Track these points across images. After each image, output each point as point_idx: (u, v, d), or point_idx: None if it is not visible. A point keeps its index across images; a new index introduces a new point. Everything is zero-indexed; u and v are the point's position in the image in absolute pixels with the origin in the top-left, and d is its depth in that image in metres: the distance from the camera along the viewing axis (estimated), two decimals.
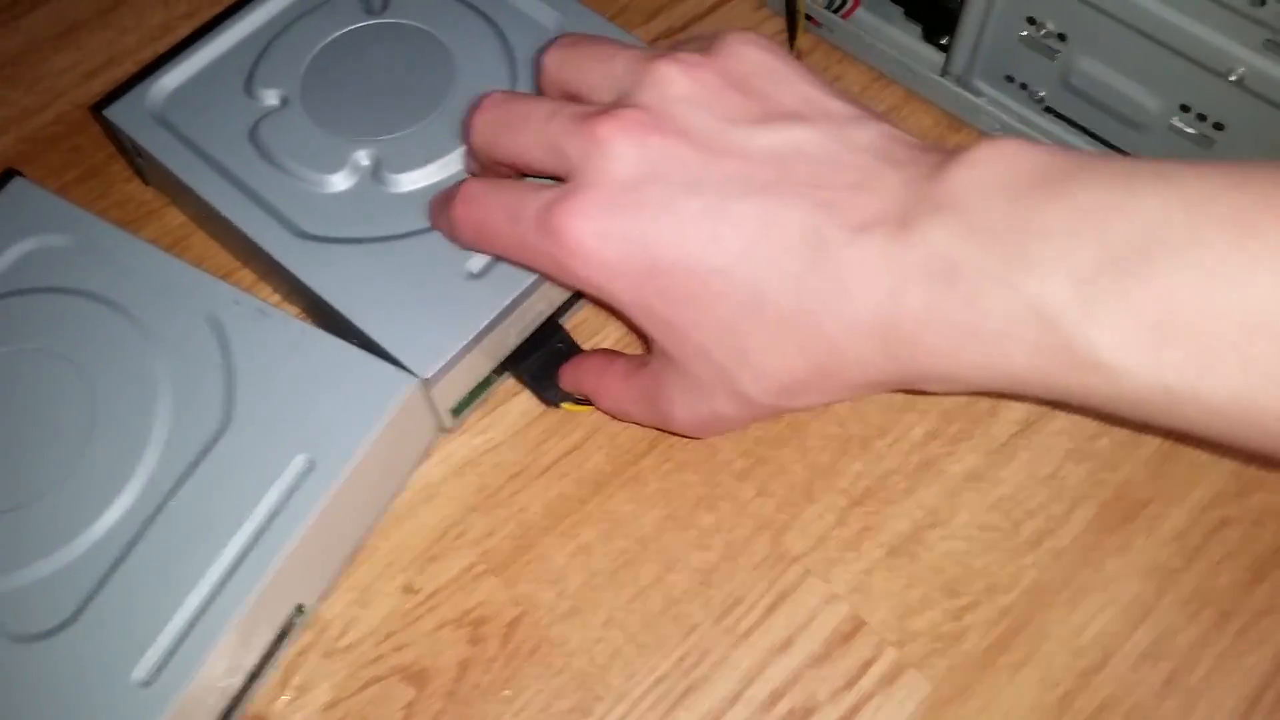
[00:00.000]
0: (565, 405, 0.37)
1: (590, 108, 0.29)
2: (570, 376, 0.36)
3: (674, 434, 0.35)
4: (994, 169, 0.25)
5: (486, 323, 0.34)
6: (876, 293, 0.25)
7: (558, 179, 0.29)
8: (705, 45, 0.29)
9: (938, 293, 0.24)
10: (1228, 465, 0.35)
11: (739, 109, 0.28)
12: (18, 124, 0.46)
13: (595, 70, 0.30)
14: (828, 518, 0.35)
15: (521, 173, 0.32)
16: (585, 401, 0.36)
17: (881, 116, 0.28)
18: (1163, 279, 0.22)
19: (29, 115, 0.46)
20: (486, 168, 0.33)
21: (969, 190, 0.24)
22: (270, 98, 0.40)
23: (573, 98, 0.31)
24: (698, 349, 0.28)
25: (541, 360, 0.37)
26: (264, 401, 0.33)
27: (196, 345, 0.34)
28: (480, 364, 0.35)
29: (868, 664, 0.32)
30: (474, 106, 0.32)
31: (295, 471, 0.31)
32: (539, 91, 0.33)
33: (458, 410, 0.36)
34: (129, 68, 0.46)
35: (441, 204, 0.34)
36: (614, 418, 0.36)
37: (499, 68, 0.39)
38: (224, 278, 0.40)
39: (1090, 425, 0.36)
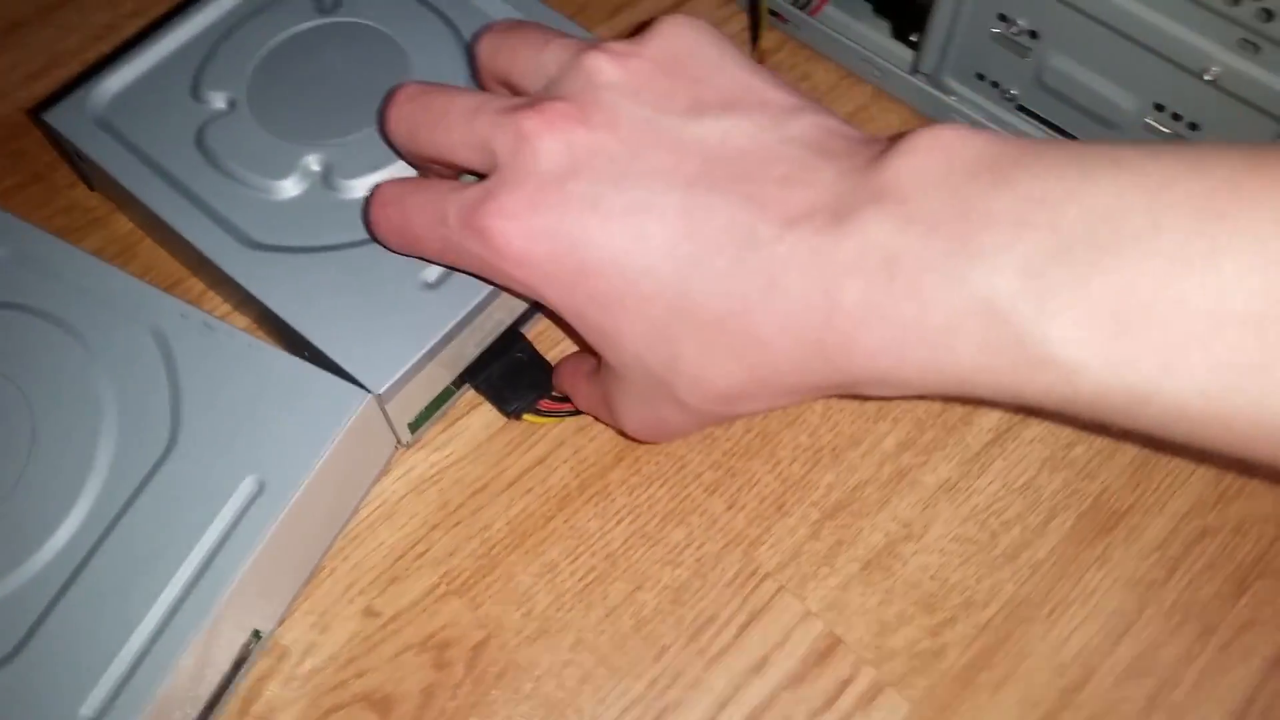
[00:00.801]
0: (526, 416, 0.35)
1: (516, 100, 0.27)
2: (555, 377, 0.35)
3: (635, 441, 0.34)
4: (934, 156, 0.23)
5: (441, 335, 0.33)
6: (809, 290, 0.23)
7: (484, 175, 0.28)
8: (643, 34, 0.28)
9: (875, 287, 0.22)
10: (1207, 473, 0.34)
11: (669, 98, 0.26)
12: None
13: (527, 58, 0.29)
14: (800, 531, 0.34)
15: (450, 169, 0.31)
16: (546, 413, 0.35)
17: (821, 108, 0.27)
18: (1121, 268, 0.20)
19: None
20: (415, 166, 0.31)
21: (908, 179, 0.23)
22: (218, 101, 0.38)
23: (509, 87, 0.30)
24: (633, 358, 0.27)
25: (501, 371, 0.36)
26: (212, 420, 0.31)
27: (141, 361, 0.33)
28: (437, 377, 0.34)
29: (845, 683, 0.31)
30: (388, 99, 0.30)
31: (245, 493, 0.30)
32: (476, 81, 0.31)
33: (416, 425, 0.35)
34: (73, 68, 0.45)
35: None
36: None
37: (456, 68, 0.38)
38: (171, 288, 0.39)
39: (1066, 433, 0.35)
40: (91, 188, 0.41)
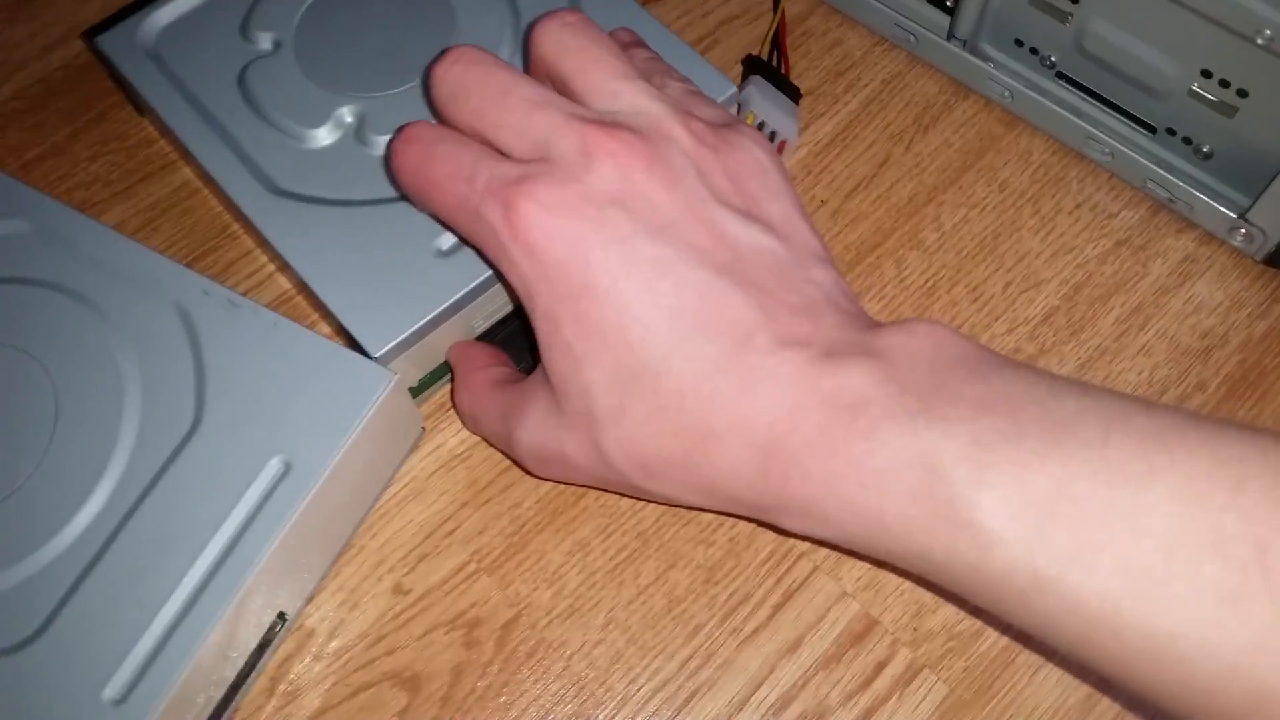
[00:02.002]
0: None
1: (586, 112, 0.27)
2: (454, 353, 0.34)
3: (509, 458, 0.34)
4: (926, 342, 0.25)
5: (446, 305, 0.32)
6: (778, 406, 0.25)
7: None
8: (720, 120, 0.29)
9: (836, 423, 0.24)
10: None
11: (725, 192, 0.27)
12: None
13: (600, 80, 0.28)
14: None
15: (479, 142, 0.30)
16: None
17: (841, 275, 0.28)
18: (1064, 464, 0.22)
19: None
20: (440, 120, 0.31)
21: (898, 351, 0.25)
22: (264, 42, 0.38)
23: (567, 92, 0.29)
24: (582, 385, 0.27)
25: (503, 335, 0.35)
26: (237, 399, 0.31)
27: (165, 339, 0.32)
28: (442, 344, 0.34)
29: (881, 665, 0.31)
30: (443, 56, 0.29)
31: (271, 474, 0.30)
32: (525, 61, 0.30)
33: (417, 391, 0.35)
34: None
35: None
36: (459, 417, 0.34)
37: (502, 33, 0.37)
38: (194, 263, 0.38)
39: None
40: (140, 113, 0.41)
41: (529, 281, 0.27)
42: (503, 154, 0.28)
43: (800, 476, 0.24)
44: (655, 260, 0.26)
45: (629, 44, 0.34)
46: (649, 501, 0.33)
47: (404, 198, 0.33)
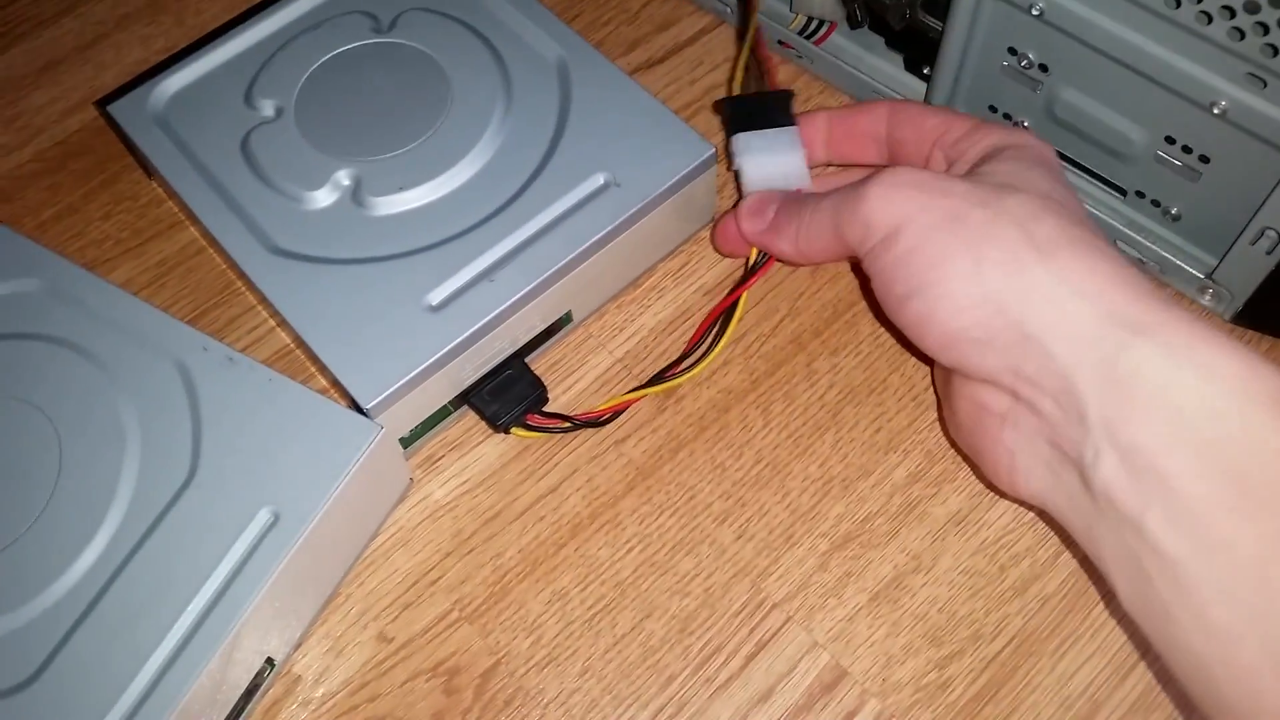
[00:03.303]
0: (515, 430, 0.36)
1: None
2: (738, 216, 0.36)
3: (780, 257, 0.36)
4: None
5: (435, 358, 0.34)
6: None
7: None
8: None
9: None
10: None
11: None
12: None
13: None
14: (809, 563, 0.34)
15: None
16: (534, 428, 0.36)
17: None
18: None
19: (8, 153, 0.46)
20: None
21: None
22: (267, 108, 0.40)
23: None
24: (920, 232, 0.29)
25: (492, 386, 0.36)
26: (230, 452, 0.32)
27: (164, 393, 0.34)
28: (432, 396, 0.35)
29: (850, 715, 0.32)
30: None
31: (260, 525, 0.31)
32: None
33: (408, 441, 0.36)
34: None
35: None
36: (747, 235, 0.36)
37: (493, 100, 0.39)
38: (198, 319, 0.40)
39: None
40: (149, 176, 0.43)
41: (900, 216, 0.30)
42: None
43: (1025, 334, 0.27)
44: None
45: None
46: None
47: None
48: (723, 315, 0.37)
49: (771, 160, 0.37)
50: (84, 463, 0.33)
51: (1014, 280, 0.27)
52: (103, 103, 0.41)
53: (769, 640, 0.33)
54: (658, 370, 0.37)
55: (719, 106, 0.41)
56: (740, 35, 0.42)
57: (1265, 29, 0.29)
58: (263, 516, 0.31)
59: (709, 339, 0.37)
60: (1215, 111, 0.32)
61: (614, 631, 0.33)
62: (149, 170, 0.42)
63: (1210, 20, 0.30)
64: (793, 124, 0.37)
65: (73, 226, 0.43)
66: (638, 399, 0.37)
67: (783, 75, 0.44)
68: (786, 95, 0.38)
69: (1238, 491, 0.24)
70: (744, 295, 0.36)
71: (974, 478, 0.35)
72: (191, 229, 0.42)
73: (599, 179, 0.37)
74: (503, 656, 0.33)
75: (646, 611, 0.33)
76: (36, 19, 0.49)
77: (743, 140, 0.37)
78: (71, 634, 0.30)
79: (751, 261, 0.36)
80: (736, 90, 0.39)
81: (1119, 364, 0.26)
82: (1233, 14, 0.30)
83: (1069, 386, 0.26)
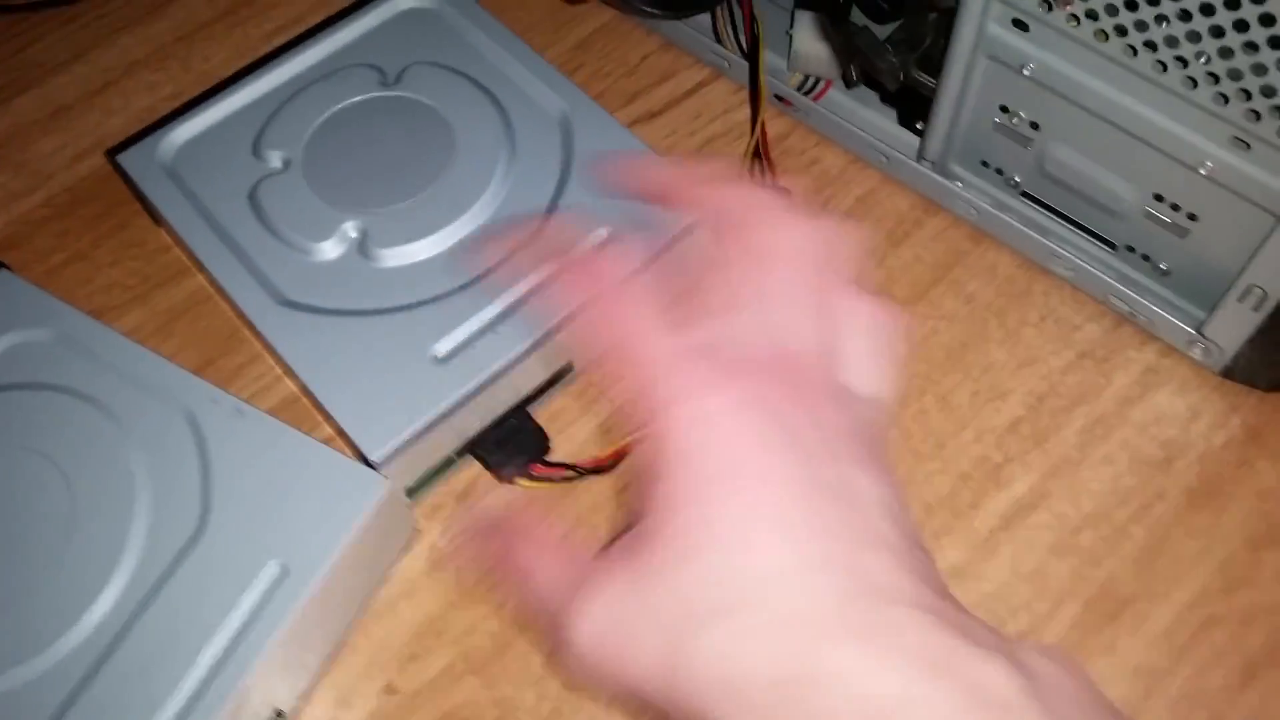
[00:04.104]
0: (520, 482, 0.37)
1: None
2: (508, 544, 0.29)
3: (555, 638, 0.25)
4: (1068, 675, 0.22)
5: (442, 410, 0.34)
6: (905, 670, 0.21)
7: None
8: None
9: (971, 715, 0.21)
10: (1213, 560, 0.35)
11: (852, 440, 0.25)
12: (5, 207, 0.46)
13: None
14: None
15: None
16: (539, 478, 0.36)
17: None
18: None
19: (17, 198, 0.46)
20: None
21: (1043, 671, 0.22)
22: (274, 160, 0.41)
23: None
24: (682, 579, 0.23)
25: (496, 436, 0.37)
26: (239, 504, 0.33)
27: (174, 445, 0.34)
28: (437, 447, 0.36)
29: None
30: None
31: (269, 578, 0.31)
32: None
33: (414, 491, 0.36)
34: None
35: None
36: (502, 566, 0.28)
37: (496, 155, 0.40)
38: (205, 367, 0.40)
39: (1074, 519, 0.36)
40: (157, 224, 0.44)
41: (667, 461, 0.24)
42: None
43: None
44: (794, 480, 0.23)
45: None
46: None
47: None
48: None
49: None
50: (95, 514, 0.33)
51: None
52: (112, 152, 0.42)
53: None
54: None
55: None
56: (753, 106, 0.44)
57: (1248, 95, 0.30)
58: (271, 569, 0.31)
59: None
60: (1202, 172, 0.33)
61: None
62: (156, 218, 0.43)
63: (1196, 85, 0.31)
64: None
65: (81, 273, 0.44)
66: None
67: (780, 128, 0.45)
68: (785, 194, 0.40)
69: None
70: None
71: (972, 531, 0.36)
72: (199, 276, 0.43)
73: (602, 232, 0.38)
74: (507, 709, 0.33)
75: None
76: (47, 65, 0.50)
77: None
78: (83, 686, 0.30)
79: None
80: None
81: None
82: (1218, 80, 0.31)
83: None
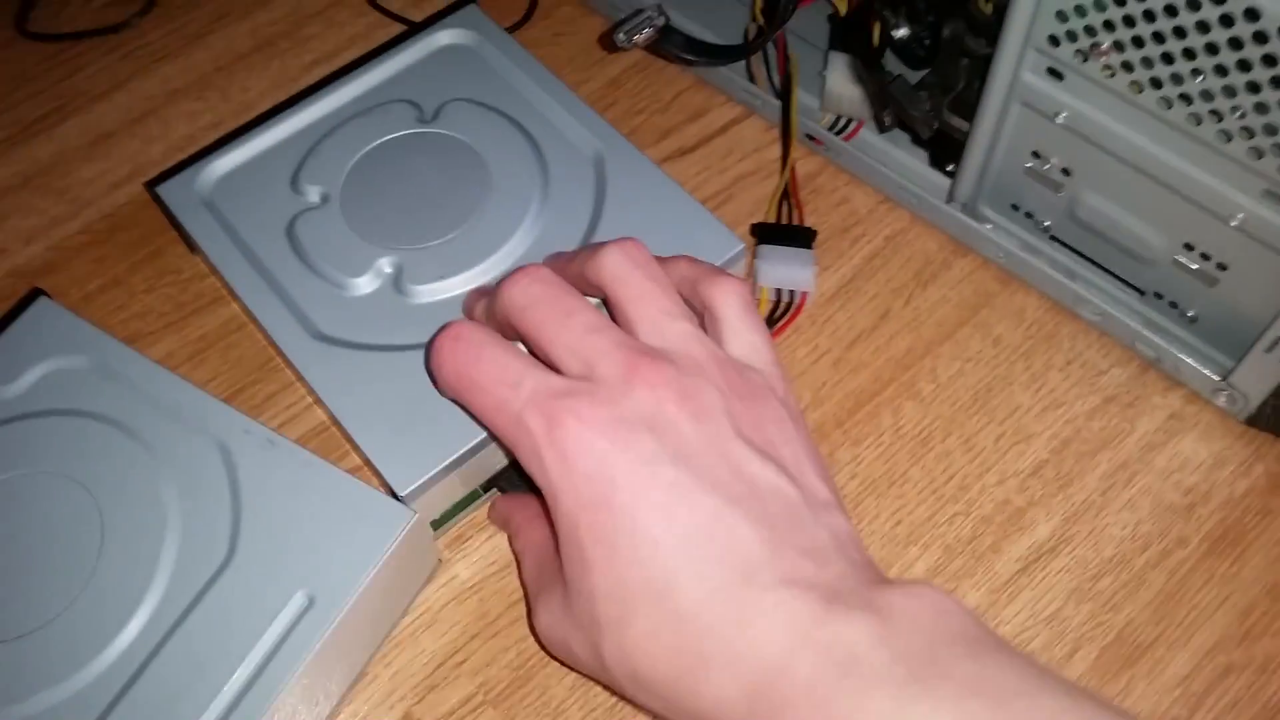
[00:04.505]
0: None
1: (633, 342, 0.30)
2: (505, 507, 0.36)
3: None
4: (928, 609, 0.26)
5: (469, 446, 0.35)
6: (772, 645, 0.25)
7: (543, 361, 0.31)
8: (750, 370, 0.31)
9: (826, 674, 0.24)
10: (1232, 608, 0.35)
11: (748, 432, 0.29)
12: (46, 233, 0.47)
13: (652, 312, 0.31)
14: None
15: (526, 347, 0.32)
16: None
17: (849, 520, 0.29)
18: None
19: (57, 224, 0.47)
20: (491, 320, 0.33)
21: (900, 612, 0.25)
22: (312, 194, 0.41)
23: (614, 311, 0.32)
24: (589, 589, 0.28)
25: (521, 471, 0.37)
26: (268, 534, 0.33)
27: (206, 474, 0.35)
28: (464, 482, 0.36)
29: None
30: (520, 272, 0.32)
31: (296, 608, 0.32)
32: (570, 270, 0.33)
33: (439, 524, 0.37)
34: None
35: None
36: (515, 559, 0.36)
37: (530, 193, 0.41)
38: (236, 395, 0.41)
39: (1094, 564, 0.36)
40: (193, 252, 0.45)
41: (556, 486, 0.28)
42: (551, 367, 0.30)
43: None
44: (674, 485, 0.27)
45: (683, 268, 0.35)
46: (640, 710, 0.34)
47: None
48: None
49: (787, 268, 0.41)
50: (125, 541, 0.34)
51: None
52: (152, 184, 0.43)
53: None
54: None
55: (754, 230, 0.43)
56: (784, 144, 0.45)
57: None
58: (298, 599, 0.32)
59: None
60: (1233, 224, 0.33)
61: (637, 718, 0.34)
62: (193, 246, 0.44)
63: (1230, 139, 0.31)
64: (811, 246, 0.42)
65: (117, 299, 0.45)
66: None
67: (810, 166, 0.45)
68: (811, 233, 0.42)
69: None
70: None
71: (992, 574, 0.36)
72: (233, 305, 0.43)
73: None
74: None
75: None
76: (90, 93, 0.51)
77: (766, 251, 0.41)
78: (109, 711, 0.31)
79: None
80: (770, 214, 0.44)
81: None
82: (1252, 134, 0.31)
83: None
